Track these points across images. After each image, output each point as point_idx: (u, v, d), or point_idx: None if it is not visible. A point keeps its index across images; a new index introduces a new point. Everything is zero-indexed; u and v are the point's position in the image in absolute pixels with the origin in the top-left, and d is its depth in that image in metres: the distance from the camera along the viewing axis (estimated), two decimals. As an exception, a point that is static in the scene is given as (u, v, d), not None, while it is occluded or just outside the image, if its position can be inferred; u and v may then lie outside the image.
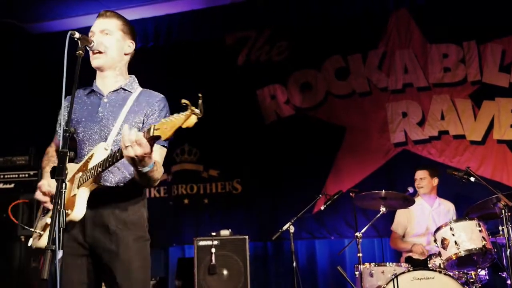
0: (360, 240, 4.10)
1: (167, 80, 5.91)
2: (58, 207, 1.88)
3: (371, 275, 4.00)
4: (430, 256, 4.16)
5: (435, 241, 4.03)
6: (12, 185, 4.77)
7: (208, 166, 6.16)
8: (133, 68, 2.58)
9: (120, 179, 2.28)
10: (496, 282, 4.57)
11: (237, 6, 6.07)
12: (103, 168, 2.11)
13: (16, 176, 4.80)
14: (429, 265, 4.05)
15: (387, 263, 4.13)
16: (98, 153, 2.20)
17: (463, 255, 3.81)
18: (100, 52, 2.34)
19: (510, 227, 3.67)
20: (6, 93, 5.80)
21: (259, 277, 5.52)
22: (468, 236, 3.84)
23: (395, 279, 3.76)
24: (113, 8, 5.98)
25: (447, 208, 4.81)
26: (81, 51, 2.17)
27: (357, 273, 4.07)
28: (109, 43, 2.37)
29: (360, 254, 4.07)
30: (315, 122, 5.90)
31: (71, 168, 2.23)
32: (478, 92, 5.48)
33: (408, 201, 4.34)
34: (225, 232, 4.94)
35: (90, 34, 2.37)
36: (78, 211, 2.11)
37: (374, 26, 5.88)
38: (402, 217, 4.85)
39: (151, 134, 1.91)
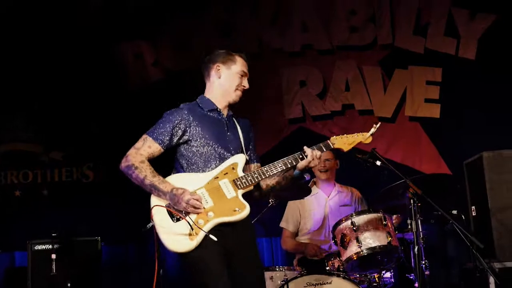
0: (244, 239, 4.16)
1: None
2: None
3: (257, 282, 4.08)
4: (328, 257, 4.34)
5: (334, 238, 4.21)
6: None
7: (50, 146, 6.03)
8: None
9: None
10: (403, 285, 4.89)
11: None
12: (277, 172, 3.12)
13: None
14: (327, 268, 4.23)
15: (277, 267, 4.26)
16: (241, 162, 3.10)
17: (365, 254, 3.99)
18: None
19: (419, 220, 3.88)
20: None
21: (117, 290, 5.46)
22: (371, 232, 4.05)
23: (285, 286, 3.89)
24: None
25: (348, 196, 5.00)
26: None
27: (238, 280, 4.14)
28: None
29: (243, 257, 4.13)
30: (191, 90, 5.84)
31: (196, 176, 3.04)
32: (389, 58, 5.80)
33: (303, 191, 4.45)
34: (70, 233, 4.90)
35: (244, 73, 3.20)
36: (248, 209, 2.97)
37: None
38: (293, 210, 4.99)
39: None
